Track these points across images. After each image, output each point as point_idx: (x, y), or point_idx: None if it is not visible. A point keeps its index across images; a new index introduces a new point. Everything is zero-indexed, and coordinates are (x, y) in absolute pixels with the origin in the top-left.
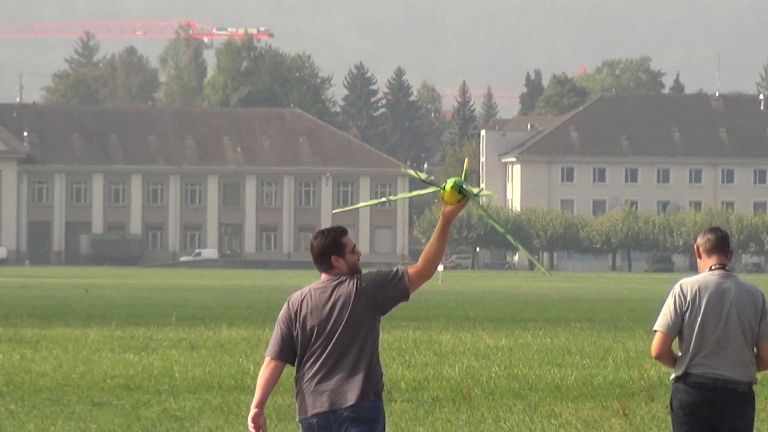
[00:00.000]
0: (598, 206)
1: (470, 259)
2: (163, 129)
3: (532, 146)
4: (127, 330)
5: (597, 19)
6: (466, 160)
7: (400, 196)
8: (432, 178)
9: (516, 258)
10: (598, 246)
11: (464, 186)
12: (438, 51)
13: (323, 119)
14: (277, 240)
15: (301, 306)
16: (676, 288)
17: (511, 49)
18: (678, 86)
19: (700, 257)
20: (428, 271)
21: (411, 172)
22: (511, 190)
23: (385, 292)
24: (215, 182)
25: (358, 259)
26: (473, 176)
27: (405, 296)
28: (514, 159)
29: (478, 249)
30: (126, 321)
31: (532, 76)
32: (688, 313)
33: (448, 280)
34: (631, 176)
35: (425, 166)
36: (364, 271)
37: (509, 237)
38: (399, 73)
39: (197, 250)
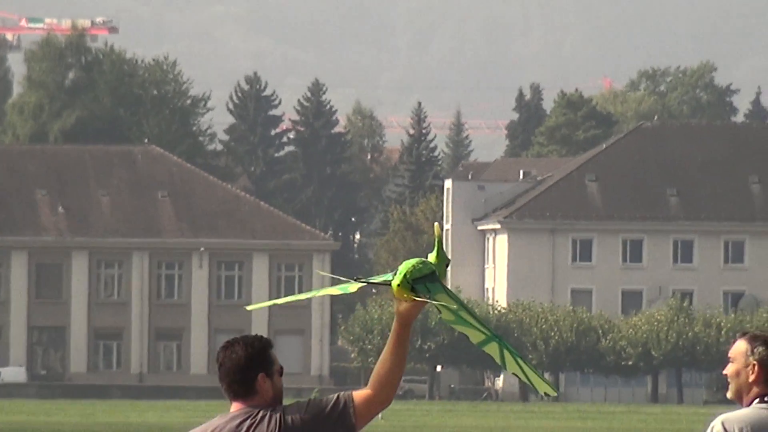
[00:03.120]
0: (631, 300)
1: (427, 383)
2: None
3: (527, 205)
4: None
5: (630, 8)
6: (436, 225)
7: (324, 291)
8: (376, 280)
9: (500, 382)
10: (630, 363)
11: (421, 281)
12: (378, 55)
13: (196, 163)
14: (121, 353)
15: None
16: (716, 426)
17: (493, 52)
18: (758, 111)
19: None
20: (383, 397)
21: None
22: (492, 274)
23: (323, 430)
24: (23, 262)
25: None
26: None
27: None
28: (498, 225)
29: (439, 367)
30: None
31: (527, 95)
32: None
33: (393, 416)
34: (684, 252)
35: (357, 236)
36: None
37: (498, 350)
38: (316, 89)
39: None
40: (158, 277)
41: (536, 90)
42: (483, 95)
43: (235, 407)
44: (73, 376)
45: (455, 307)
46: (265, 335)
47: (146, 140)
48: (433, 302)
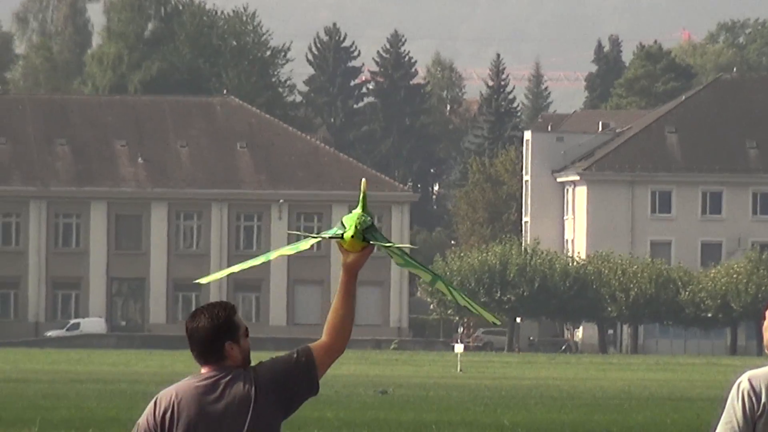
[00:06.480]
0: (711, 252)
1: (507, 335)
2: (21, 129)
3: (606, 157)
4: None
5: None
6: (363, 181)
7: (278, 252)
8: (326, 236)
9: (579, 334)
10: (709, 315)
11: (369, 231)
12: (458, 7)
13: (275, 114)
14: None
15: (177, 412)
16: (743, 383)
17: (572, 3)
18: None
19: None
20: (338, 345)
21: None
22: (572, 226)
23: (293, 385)
24: (102, 212)
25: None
26: (511, 202)
27: (314, 387)
28: (577, 177)
29: (519, 319)
30: None
31: (606, 47)
32: (763, 420)
33: (471, 368)
34: (763, 205)
35: (436, 187)
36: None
37: (445, 287)
38: (395, 41)
39: (73, 320)
40: (237, 228)
41: (615, 42)
42: (562, 47)
43: (205, 371)
44: (152, 327)
45: (405, 252)
46: None
47: (225, 91)
48: (386, 246)
